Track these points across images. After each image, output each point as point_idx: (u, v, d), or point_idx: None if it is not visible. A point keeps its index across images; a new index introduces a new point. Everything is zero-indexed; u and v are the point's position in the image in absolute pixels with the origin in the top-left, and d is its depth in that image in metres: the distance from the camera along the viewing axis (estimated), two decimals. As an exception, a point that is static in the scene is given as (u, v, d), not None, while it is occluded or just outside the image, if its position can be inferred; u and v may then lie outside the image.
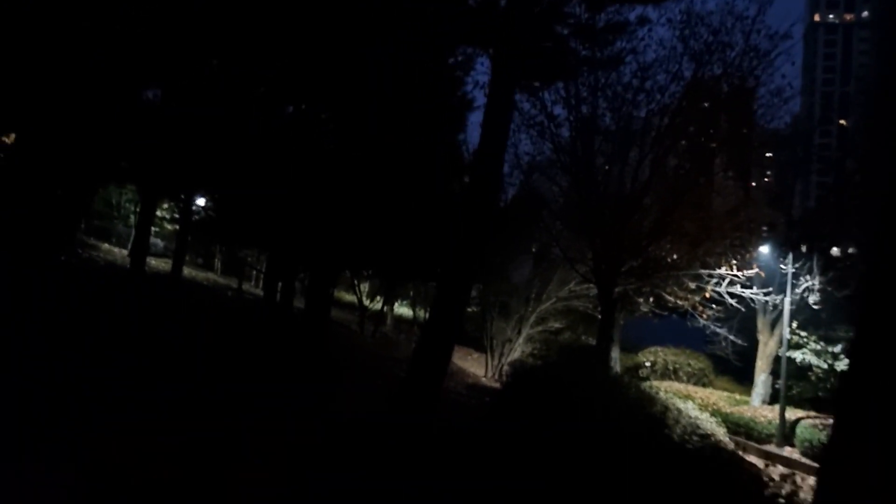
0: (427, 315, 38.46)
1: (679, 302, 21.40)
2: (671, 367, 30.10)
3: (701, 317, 21.85)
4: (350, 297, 36.40)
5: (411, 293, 39.46)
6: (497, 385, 24.12)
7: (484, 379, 25.31)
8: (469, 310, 39.88)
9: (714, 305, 21.66)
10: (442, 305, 11.94)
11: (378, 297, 31.78)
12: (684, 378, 29.32)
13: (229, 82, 18.22)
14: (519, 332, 26.04)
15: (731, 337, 24.24)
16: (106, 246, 29.74)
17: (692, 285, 21.31)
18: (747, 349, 26.18)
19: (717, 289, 20.54)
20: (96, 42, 17.07)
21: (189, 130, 18.85)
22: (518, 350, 26.37)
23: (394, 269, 16.72)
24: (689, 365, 30.33)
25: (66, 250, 19.21)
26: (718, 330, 23.35)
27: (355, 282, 29.81)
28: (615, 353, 31.08)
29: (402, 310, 40.05)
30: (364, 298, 30.01)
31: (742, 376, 29.74)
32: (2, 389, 8.39)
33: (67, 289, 15.45)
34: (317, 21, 15.30)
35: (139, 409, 8.76)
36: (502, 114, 11.93)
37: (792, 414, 22.51)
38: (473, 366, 28.72)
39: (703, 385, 28.64)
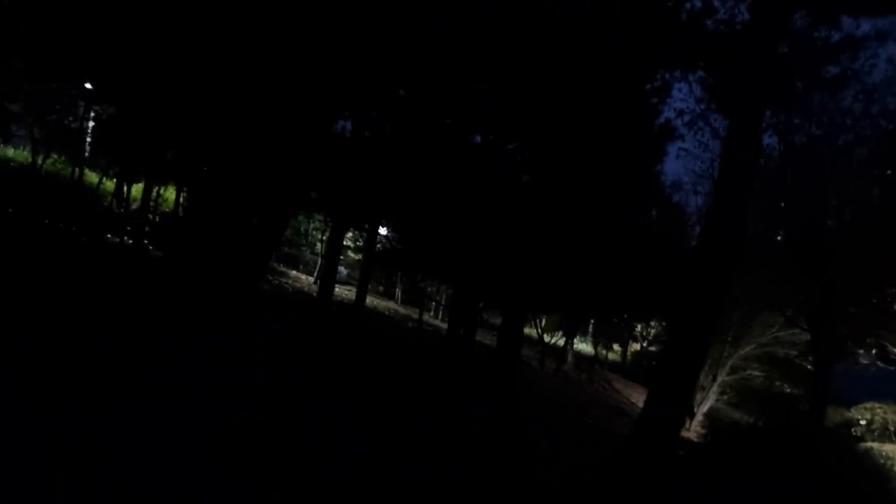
0: (604, 350, 37.25)
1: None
2: (892, 428, 26.36)
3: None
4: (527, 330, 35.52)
5: (590, 328, 37.95)
6: (690, 437, 22.14)
7: (674, 428, 23.34)
8: (650, 348, 38.07)
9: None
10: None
11: (557, 332, 30.51)
12: (909, 439, 25.57)
13: (418, 112, 18.00)
14: (713, 379, 23.85)
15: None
16: (294, 273, 30.74)
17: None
18: None
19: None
20: (301, 73, 17.47)
21: (377, 160, 18.82)
22: (711, 398, 24.18)
23: (586, 305, 15.50)
24: (915, 425, 26.48)
25: (261, 277, 19.67)
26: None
27: (534, 315, 28.77)
28: (821, 407, 27.96)
29: (581, 345, 38.50)
30: (542, 332, 28.95)
31: None
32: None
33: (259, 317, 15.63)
34: (512, 50, 14.64)
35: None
36: (745, 148, 10.61)
37: None
38: (660, 411, 26.72)
39: (935, 448, 24.81)
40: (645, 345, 38.14)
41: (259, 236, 16.44)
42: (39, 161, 22.37)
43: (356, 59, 17.81)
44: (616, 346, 39.30)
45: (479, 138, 17.46)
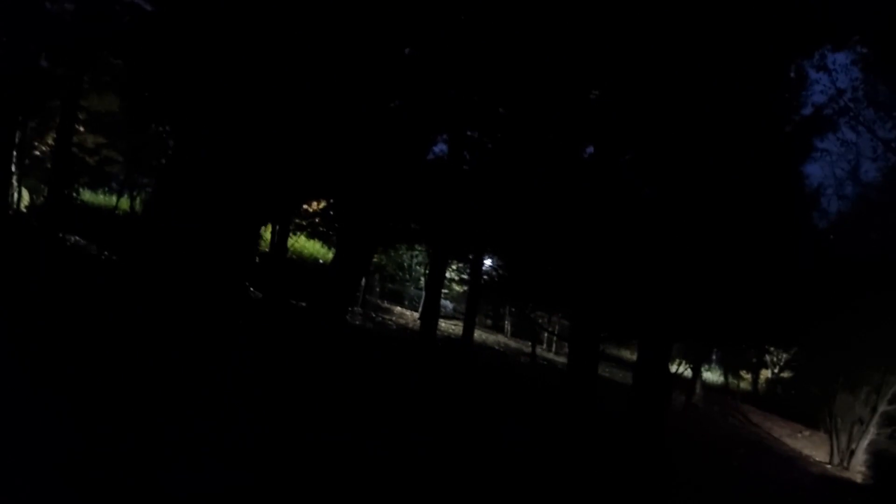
0: (735, 379, 34.13)
1: None
2: None
3: None
4: (629, 356, 32.80)
5: (714, 354, 34.93)
6: (852, 477, 19.30)
7: (829, 467, 20.50)
8: (782, 374, 34.69)
9: None
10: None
11: (679, 360, 27.83)
12: None
13: (519, 129, 16.47)
14: (873, 410, 20.85)
15: None
16: (398, 309, 29.57)
17: None
18: None
19: None
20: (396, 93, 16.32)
21: (477, 183, 17.40)
22: (871, 432, 21.14)
23: (739, 329, 13.31)
24: None
25: (346, 311, 18.41)
26: None
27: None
28: None
29: (706, 374, 35.46)
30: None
31: None
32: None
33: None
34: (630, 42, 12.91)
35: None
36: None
37: None
38: (807, 447, 23.80)
39: None
40: (777, 371, 34.73)
41: (342, 268, 15.19)
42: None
43: (452, 74, 16.56)
44: (744, 374, 36.11)
45: (590, 150, 15.70)
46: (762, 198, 12.54)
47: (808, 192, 14.19)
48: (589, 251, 13.66)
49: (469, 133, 18.50)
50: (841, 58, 15.30)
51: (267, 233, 21.62)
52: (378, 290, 32.50)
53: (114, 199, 22.86)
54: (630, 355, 32.68)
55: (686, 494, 10.92)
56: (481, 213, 16.43)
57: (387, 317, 26.11)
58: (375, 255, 27.27)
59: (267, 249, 21.11)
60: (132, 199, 21.74)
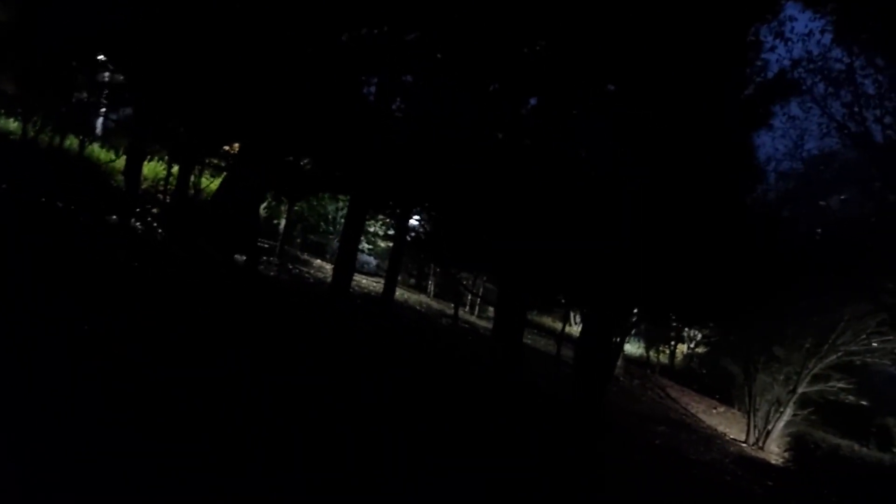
0: (655, 354, 34.09)
1: None
2: None
3: None
4: (549, 322, 32.39)
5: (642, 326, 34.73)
6: (767, 458, 19.14)
7: (745, 446, 20.32)
8: (697, 350, 34.86)
9: None
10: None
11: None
12: None
13: (456, 78, 15.22)
14: (793, 391, 20.71)
15: None
16: (318, 262, 28.11)
17: None
18: None
19: None
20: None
21: (407, 134, 16.14)
22: (788, 414, 21.05)
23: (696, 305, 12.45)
24: None
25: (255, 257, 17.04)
26: None
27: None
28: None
29: (626, 346, 35.29)
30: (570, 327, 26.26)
31: None
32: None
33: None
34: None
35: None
36: None
37: None
38: (723, 424, 23.75)
39: None
40: (692, 346, 34.89)
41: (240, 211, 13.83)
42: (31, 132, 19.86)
43: (384, 8, 15.18)
44: (662, 348, 36.15)
45: (534, 101, 14.58)
46: (711, 166, 11.70)
47: (756, 166, 13.41)
48: (521, 212, 12.62)
49: (404, 78, 17.25)
50: (799, 26, 14.59)
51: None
52: (299, 241, 30.94)
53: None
54: (552, 323, 32.23)
55: (618, 479, 10.13)
56: (409, 164, 15.22)
57: (305, 269, 24.69)
58: (297, 204, 25.78)
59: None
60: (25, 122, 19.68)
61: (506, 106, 14.70)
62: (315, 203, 28.60)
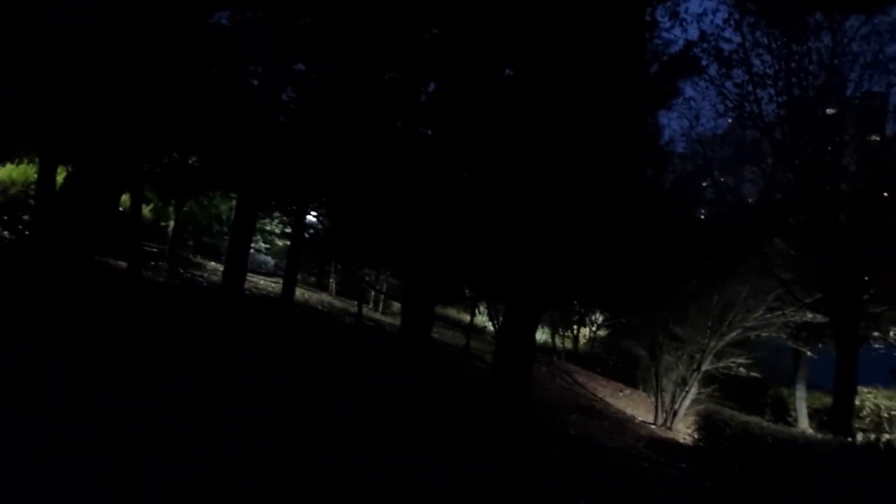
0: (560, 339, 34.24)
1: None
2: (885, 415, 24.05)
3: None
4: (455, 313, 31.93)
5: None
6: (676, 437, 19.34)
7: (654, 427, 20.52)
8: (599, 333, 35.28)
9: None
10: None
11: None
12: (903, 428, 23.22)
13: (346, 64, 14.45)
14: (697, 370, 21.04)
15: None
16: (213, 265, 26.71)
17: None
18: None
19: None
20: None
21: (299, 126, 15.29)
22: (693, 392, 21.40)
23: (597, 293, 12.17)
24: (908, 412, 24.28)
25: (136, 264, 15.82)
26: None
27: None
28: (800, 393, 25.71)
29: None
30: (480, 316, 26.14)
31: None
32: None
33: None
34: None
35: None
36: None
37: None
38: (630, 406, 23.95)
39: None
40: (595, 330, 35.18)
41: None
42: None
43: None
44: (566, 333, 36.38)
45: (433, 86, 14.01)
46: (611, 147, 11.41)
47: (658, 146, 13.28)
48: (422, 204, 12.02)
49: (296, 66, 16.36)
50: (694, 6, 14.58)
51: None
52: (191, 243, 29.38)
53: None
54: (456, 314, 31.80)
55: (539, 475, 9.72)
56: (301, 159, 14.36)
57: (198, 273, 23.41)
58: (186, 205, 24.33)
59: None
60: None
61: (404, 94, 14.08)
62: (206, 203, 27.13)
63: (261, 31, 14.53)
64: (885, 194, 14.92)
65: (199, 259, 26.96)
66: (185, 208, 24.39)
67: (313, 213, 21.69)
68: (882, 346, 21.85)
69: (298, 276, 23.35)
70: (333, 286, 31.12)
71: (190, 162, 18.75)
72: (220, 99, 13.57)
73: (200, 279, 22.09)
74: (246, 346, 12.47)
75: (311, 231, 22.12)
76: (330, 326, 20.15)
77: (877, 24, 14.56)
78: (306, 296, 25.63)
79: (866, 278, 14.40)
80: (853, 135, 15.66)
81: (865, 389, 24.12)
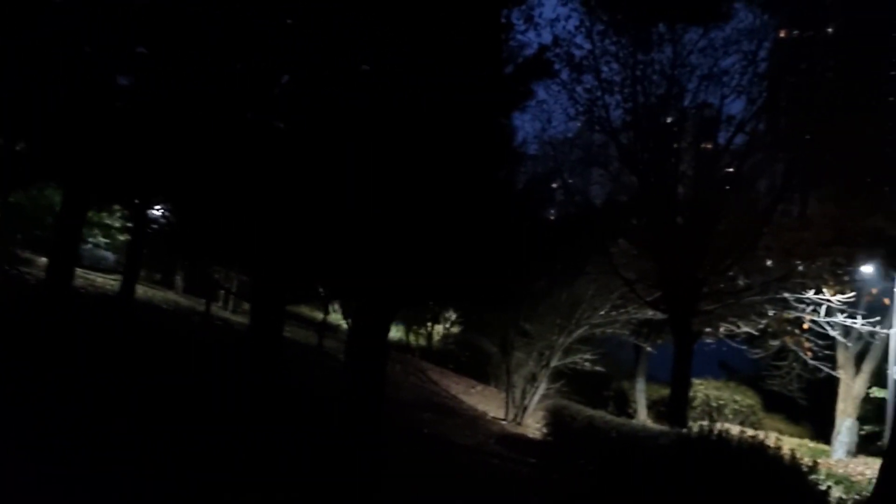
0: (414, 336, 34.26)
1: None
2: (714, 404, 25.81)
3: (805, 354, 18.00)
4: (308, 312, 31.33)
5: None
6: (526, 433, 19.82)
7: (505, 423, 20.93)
8: (452, 330, 35.71)
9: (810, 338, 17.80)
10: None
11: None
12: (730, 416, 24.91)
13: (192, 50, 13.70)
14: (546, 366, 21.68)
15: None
16: (44, 260, 24.69)
17: (772, 312, 17.53)
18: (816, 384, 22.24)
19: (816, 318, 16.64)
20: None
21: (138, 115, 14.33)
22: (542, 388, 22.05)
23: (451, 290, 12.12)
24: (734, 401, 26.10)
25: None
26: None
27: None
28: (640, 385, 27.17)
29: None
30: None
31: (797, 414, 25.96)
32: None
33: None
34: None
35: None
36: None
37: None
38: (482, 402, 24.35)
39: (752, 425, 23.95)
40: (448, 327, 35.52)
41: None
42: None
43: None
44: (420, 329, 36.52)
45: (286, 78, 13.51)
46: (463, 148, 11.45)
47: (511, 147, 13.47)
48: (271, 200, 11.57)
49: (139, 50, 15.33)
50: (547, 11, 14.93)
51: None
52: (20, 237, 26.98)
53: None
54: (310, 312, 31.12)
55: (391, 477, 9.55)
56: (139, 148, 13.46)
57: (27, 270, 21.56)
58: (12, 196, 22.36)
59: None
60: None
61: (255, 85, 13.50)
62: (36, 194, 25.01)
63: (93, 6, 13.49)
64: (716, 199, 15.87)
65: (28, 255, 24.84)
66: (12, 199, 22.41)
67: (157, 207, 20.51)
68: (713, 342, 23.37)
69: (142, 274, 22.00)
70: (180, 284, 29.63)
71: (17, 149, 17.25)
72: (46, 80, 12.49)
73: (29, 276, 20.36)
74: (65, 348, 11.50)
75: (155, 226, 20.91)
76: (173, 325, 19.13)
77: (713, 39, 15.56)
78: (150, 294, 24.25)
79: (700, 278, 15.27)
80: (690, 142, 16.63)
81: (698, 381, 25.81)
